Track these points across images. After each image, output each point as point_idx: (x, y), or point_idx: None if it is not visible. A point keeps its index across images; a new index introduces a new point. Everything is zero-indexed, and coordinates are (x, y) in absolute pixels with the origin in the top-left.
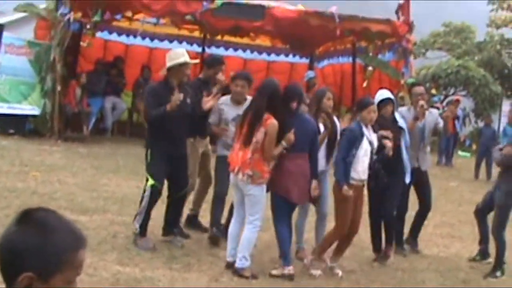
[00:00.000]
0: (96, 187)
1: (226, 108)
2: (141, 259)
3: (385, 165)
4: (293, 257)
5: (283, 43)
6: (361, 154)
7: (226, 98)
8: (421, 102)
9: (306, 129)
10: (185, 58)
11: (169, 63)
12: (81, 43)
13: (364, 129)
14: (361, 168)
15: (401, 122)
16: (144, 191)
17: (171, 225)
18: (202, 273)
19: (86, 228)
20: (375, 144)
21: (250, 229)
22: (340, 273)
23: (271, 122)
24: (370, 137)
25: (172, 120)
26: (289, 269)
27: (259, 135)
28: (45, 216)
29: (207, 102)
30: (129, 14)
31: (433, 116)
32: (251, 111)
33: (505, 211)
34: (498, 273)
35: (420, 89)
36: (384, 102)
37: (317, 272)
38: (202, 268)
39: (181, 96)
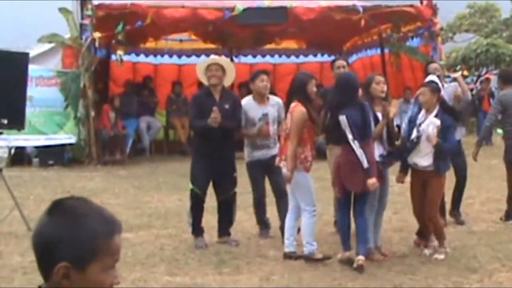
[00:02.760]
0: (139, 205)
1: (250, 108)
2: (190, 268)
3: None
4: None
5: (308, 44)
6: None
7: (249, 98)
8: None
9: (370, 116)
10: (206, 61)
11: (198, 74)
12: (112, 60)
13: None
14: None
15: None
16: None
17: (222, 227)
18: (252, 274)
19: (133, 244)
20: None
21: (306, 216)
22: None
23: (298, 109)
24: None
25: (214, 128)
26: (347, 254)
27: (288, 121)
28: (75, 204)
29: None
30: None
31: (452, 88)
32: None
33: None
34: None
35: (433, 65)
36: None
37: (441, 257)
38: (252, 269)
39: (218, 115)
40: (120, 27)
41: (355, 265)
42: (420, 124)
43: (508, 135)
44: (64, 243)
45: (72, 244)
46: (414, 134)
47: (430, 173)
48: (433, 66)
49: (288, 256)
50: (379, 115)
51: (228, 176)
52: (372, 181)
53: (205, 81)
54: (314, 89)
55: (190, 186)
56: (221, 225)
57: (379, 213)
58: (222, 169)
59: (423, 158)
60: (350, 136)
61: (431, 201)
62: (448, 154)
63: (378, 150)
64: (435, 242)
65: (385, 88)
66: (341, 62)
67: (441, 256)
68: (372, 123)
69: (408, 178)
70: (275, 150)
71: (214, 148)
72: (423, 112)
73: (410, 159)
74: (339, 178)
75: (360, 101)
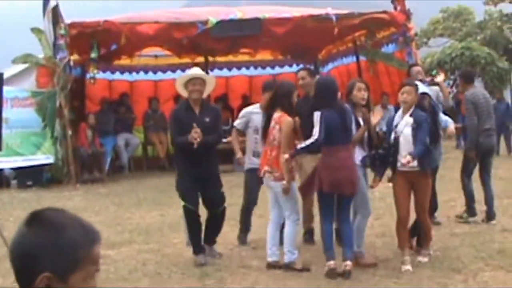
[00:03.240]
0: (120, 222)
1: (256, 117)
2: (174, 281)
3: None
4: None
5: (283, 54)
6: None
7: (255, 106)
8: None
9: (349, 120)
10: (188, 75)
11: (177, 88)
12: (88, 78)
13: (400, 112)
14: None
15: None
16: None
17: (209, 236)
18: (236, 284)
19: (115, 260)
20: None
21: (290, 224)
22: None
23: (286, 120)
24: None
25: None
26: (332, 264)
27: (275, 132)
28: (54, 214)
29: None
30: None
31: (433, 91)
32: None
33: None
34: None
35: (416, 68)
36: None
37: (424, 259)
38: (236, 280)
39: (198, 133)
40: (95, 51)
41: (341, 270)
42: (396, 126)
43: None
44: (46, 253)
45: (54, 254)
46: (392, 136)
47: (416, 174)
48: (415, 69)
49: (271, 265)
50: (361, 120)
51: (216, 192)
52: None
53: (184, 94)
54: (295, 99)
55: (182, 203)
56: (207, 234)
57: (364, 218)
58: (208, 185)
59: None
60: (315, 132)
61: (420, 202)
62: (424, 151)
63: (359, 154)
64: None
65: (365, 95)
66: (301, 73)
67: (425, 259)
68: (354, 128)
69: (385, 184)
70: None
71: (198, 164)
72: (399, 113)
73: (398, 162)
74: (320, 180)
75: (341, 105)
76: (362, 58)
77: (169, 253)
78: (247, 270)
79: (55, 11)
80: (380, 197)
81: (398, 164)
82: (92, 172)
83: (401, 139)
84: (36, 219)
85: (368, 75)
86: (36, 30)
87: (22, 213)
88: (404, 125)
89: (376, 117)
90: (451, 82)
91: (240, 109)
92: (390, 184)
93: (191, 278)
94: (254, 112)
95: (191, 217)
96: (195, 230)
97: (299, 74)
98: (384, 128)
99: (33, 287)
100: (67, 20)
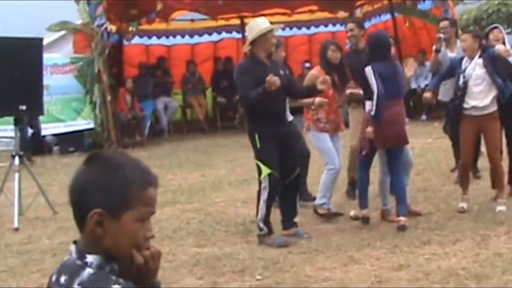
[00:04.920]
0: (163, 183)
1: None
2: (218, 239)
3: None
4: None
5: (320, 7)
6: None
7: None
8: (438, 35)
9: (402, 75)
10: (267, 25)
11: (252, 35)
12: (125, 44)
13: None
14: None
15: None
16: (260, 183)
17: (290, 216)
18: None
19: (159, 220)
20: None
21: (325, 173)
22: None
23: (310, 72)
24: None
25: (272, 98)
26: (363, 212)
27: None
28: (113, 154)
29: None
30: (165, 14)
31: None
32: None
33: None
34: None
35: (443, 23)
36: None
37: (502, 208)
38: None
39: (277, 78)
40: (134, 24)
41: (397, 225)
42: (464, 70)
43: None
44: (99, 189)
45: (108, 190)
46: (461, 80)
47: (486, 118)
48: (441, 24)
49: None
50: None
51: (293, 154)
52: (369, 129)
53: (246, 48)
54: (337, 54)
55: (268, 170)
56: (285, 215)
57: (406, 172)
58: (287, 147)
59: (481, 100)
60: (374, 88)
61: (493, 145)
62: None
63: None
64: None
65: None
66: (349, 25)
67: (502, 207)
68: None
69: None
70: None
71: (278, 122)
72: (465, 59)
73: (468, 104)
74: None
75: (392, 60)
76: (397, 15)
77: (212, 211)
78: None
79: None
80: (420, 153)
81: (467, 106)
82: (132, 136)
83: (471, 83)
84: (94, 158)
85: (405, 30)
86: None
87: (65, 178)
88: (473, 68)
89: (410, 69)
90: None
91: None
92: (429, 140)
93: (234, 235)
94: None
95: (275, 188)
96: (271, 206)
97: (347, 26)
98: (423, 85)
99: (86, 225)
100: None
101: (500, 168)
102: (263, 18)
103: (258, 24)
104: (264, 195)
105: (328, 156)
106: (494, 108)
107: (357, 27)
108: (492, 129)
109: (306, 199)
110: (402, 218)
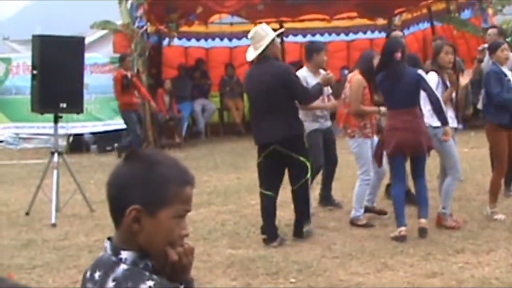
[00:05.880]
0: (198, 185)
1: (310, 79)
2: (252, 241)
3: None
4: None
5: (360, 15)
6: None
7: (305, 71)
8: (481, 46)
9: (407, 84)
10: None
11: (266, 41)
12: (164, 46)
13: (503, 68)
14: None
15: None
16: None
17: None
18: (315, 244)
19: (194, 221)
20: None
21: (359, 183)
22: (502, 217)
23: (355, 78)
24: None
25: None
26: (400, 230)
27: (346, 91)
28: (152, 152)
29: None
30: (205, 17)
31: None
32: None
33: None
34: None
35: (491, 30)
36: None
37: (501, 217)
38: (314, 239)
39: (332, 75)
40: (173, 17)
41: (418, 228)
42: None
43: None
44: (137, 185)
45: (146, 186)
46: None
47: None
48: (489, 31)
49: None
50: (448, 82)
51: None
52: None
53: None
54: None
55: (309, 175)
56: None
57: (453, 180)
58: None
59: None
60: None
61: None
62: None
63: (452, 114)
64: None
65: (452, 59)
66: (396, 33)
67: None
68: (440, 91)
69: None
70: (329, 122)
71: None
72: (506, 70)
73: None
74: (383, 145)
75: (398, 67)
76: (437, 24)
77: (247, 213)
78: (324, 231)
79: None
80: None
81: None
82: (169, 137)
83: None
84: (134, 155)
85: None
86: None
87: (102, 176)
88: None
89: (465, 78)
90: None
91: None
92: (465, 150)
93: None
94: (307, 75)
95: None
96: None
97: (393, 34)
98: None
99: (123, 221)
100: None
101: None
102: (264, 24)
103: (265, 31)
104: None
105: (365, 165)
106: None
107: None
108: None
109: (327, 204)
110: (422, 221)
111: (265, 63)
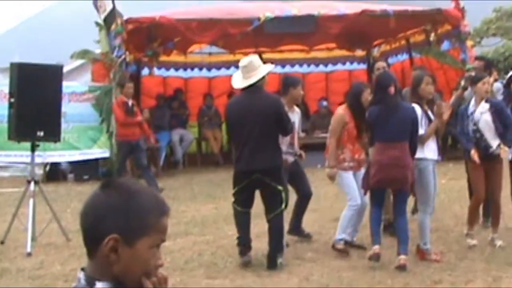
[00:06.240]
0: (176, 215)
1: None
2: (229, 271)
3: None
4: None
5: (338, 46)
6: (481, 126)
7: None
8: (468, 73)
9: (402, 117)
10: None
11: (262, 73)
12: (143, 75)
13: (474, 102)
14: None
15: None
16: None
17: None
18: (292, 274)
19: (171, 251)
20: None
21: (346, 208)
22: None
23: (337, 111)
24: (483, 109)
25: None
26: (375, 249)
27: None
28: (129, 181)
29: None
30: (183, 46)
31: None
32: None
33: None
34: None
35: (477, 63)
36: None
37: (472, 242)
38: (291, 270)
39: None
40: (151, 46)
41: (396, 264)
42: (472, 113)
43: None
44: (116, 215)
45: (124, 217)
46: (471, 126)
47: (494, 158)
48: (475, 63)
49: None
50: (431, 114)
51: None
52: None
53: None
54: (369, 97)
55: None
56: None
57: (424, 214)
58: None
59: (494, 140)
60: (369, 135)
61: (499, 184)
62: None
63: (434, 148)
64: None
65: (433, 90)
66: (380, 64)
67: (501, 242)
68: (424, 123)
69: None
70: (295, 157)
71: None
72: (472, 102)
73: (486, 144)
74: (368, 177)
75: (392, 101)
76: (415, 55)
77: (224, 244)
78: (301, 261)
79: (112, 11)
80: None
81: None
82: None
83: (480, 126)
84: (110, 184)
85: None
86: (99, 25)
87: (78, 205)
88: (481, 112)
89: (446, 113)
90: (504, 82)
91: None
92: (443, 181)
93: (247, 267)
94: None
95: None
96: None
97: (377, 65)
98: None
99: (99, 252)
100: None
101: (500, 208)
102: (255, 56)
103: (259, 62)
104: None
105: (350, 193)
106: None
107: (387, 66)
108: (497, 170)
109: (296, 235)
110: (402, 257)
111: (256, 93)
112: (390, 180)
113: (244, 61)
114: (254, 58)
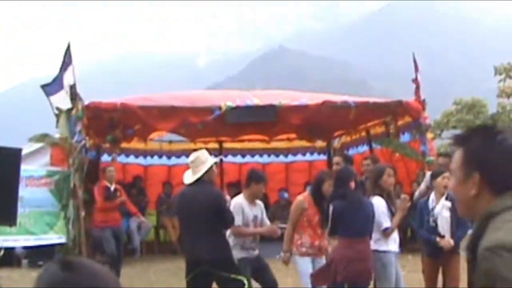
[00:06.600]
0: None
1: (245, 208)
2: None
3: None
4: None
5: (299, 137)
6: (439, 223)
7: (242, 198)
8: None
9: (366, 213)
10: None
11: (205, 166)
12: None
13: (434, 197)
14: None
15: None
16: None
17: None
18: None
19: None
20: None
21: None
22: None
23: (297, 198)
24: (443, 206)
25: None
26: None
27: None
28: (89, 262)
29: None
30: (143, 133)
31: None
32: None
33: None
34: None
35: (442, 159)
36: None
37: None
38: None
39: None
40: (110, 138)
41: None
42: (432, 209)
43: None
44: None
45: None
46: (431, 221)
47: (449, 251)
48: (440, 159)
49: None
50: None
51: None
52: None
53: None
54: (330, 188)
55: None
56: None
57: None
58: None
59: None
60: (330, 227)
61: (455, 277)
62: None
63: (396, 237)
64: None
65: (393, 181)
66: (336, 159)
67: None
68: (387, 215)
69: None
70: (257, 251)
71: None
72: (432, 197)
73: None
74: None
75: (354, 196)
76: (375, 147)
77: None
78: None
79: (73, 90)
80: None
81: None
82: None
83: (439, 222)
84: (72, 265)
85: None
86: (59, 110)
87: None
88: (441, 208)
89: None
90: None
91: None
92: (403, 273)
93: None
94: (243, 204)
95: None
96: None
97: (334, 160)
98: None
99: None
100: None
101: None
102: (202, 150)
103: (205, 156)
104: None
105: (303, 281)
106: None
107: (343, 161)
108: (454, 266)
109: None
110: None
111: (200, 186)
112: (358, 275)
113: (191, 156)
114: (201, 153)
